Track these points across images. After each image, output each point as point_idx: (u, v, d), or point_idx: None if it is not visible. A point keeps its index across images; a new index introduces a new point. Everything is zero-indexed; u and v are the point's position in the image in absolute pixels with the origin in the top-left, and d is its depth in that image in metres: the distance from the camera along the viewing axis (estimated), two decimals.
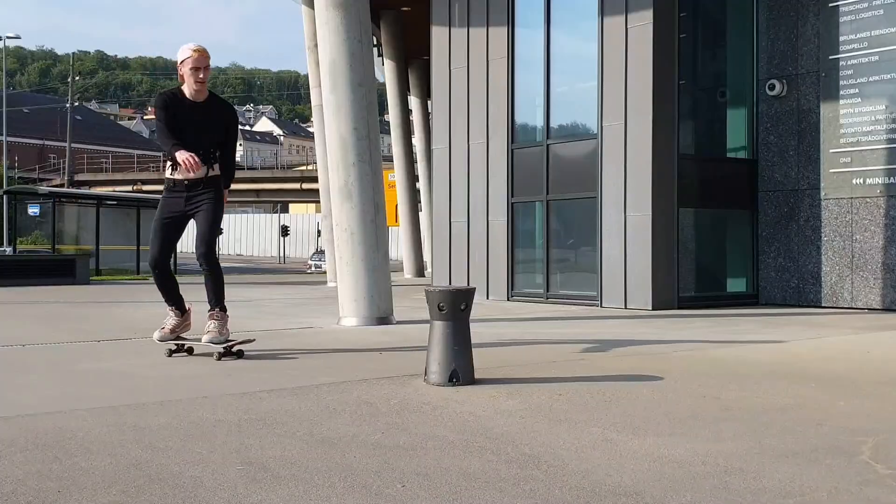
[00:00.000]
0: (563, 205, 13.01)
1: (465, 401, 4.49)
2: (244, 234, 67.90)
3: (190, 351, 6.30)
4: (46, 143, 77.17)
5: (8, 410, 4.22)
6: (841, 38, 11.74)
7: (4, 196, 31.90)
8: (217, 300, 6.10)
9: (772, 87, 12.36)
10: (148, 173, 68.49)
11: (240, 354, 6.14)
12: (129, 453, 3.35)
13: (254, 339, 6.40)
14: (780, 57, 12.41)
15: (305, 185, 55.93)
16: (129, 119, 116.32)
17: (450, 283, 13.92)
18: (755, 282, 12.74)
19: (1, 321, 10.01)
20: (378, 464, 3.22)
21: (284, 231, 54.46)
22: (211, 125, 6.09)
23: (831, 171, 11.85)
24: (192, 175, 5.91)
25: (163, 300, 6.34)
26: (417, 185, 26.69)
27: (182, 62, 6.00)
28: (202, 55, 6.00)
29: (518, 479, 3.02)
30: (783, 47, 12.36)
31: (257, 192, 61.22)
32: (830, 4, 11.85)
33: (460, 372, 4.93)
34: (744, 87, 12.90)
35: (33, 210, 29.41)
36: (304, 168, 67.61)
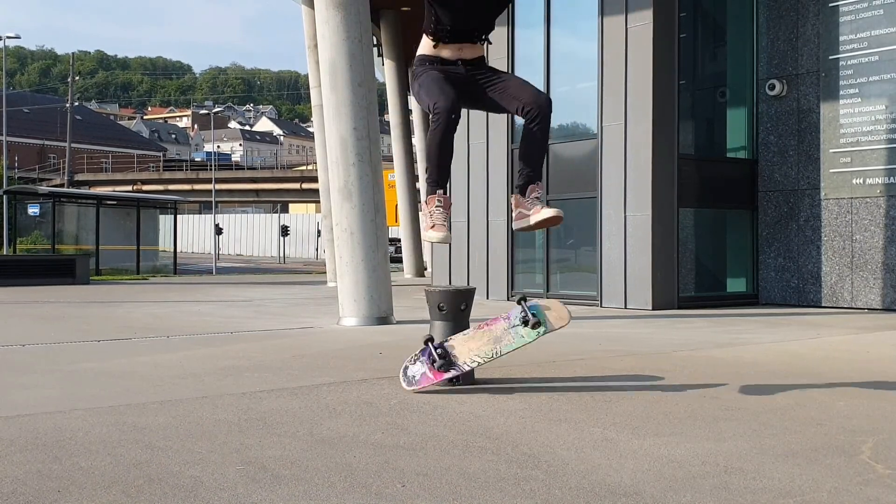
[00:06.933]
0: (563, 205, 12.98)
1: (465, 401, 4.49)
2: (244, 234, 67.90)
3: None
4: (46, 143, 77.12)
5: (8, 410, 4.21)
6: (841, 38, 11.74)
7: (4, 196, 31.87)
8: (540, 170, 4.63)
9: (772, 87, 12.36)
10: (148, 173, 68.49)
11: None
12: (129, 453, 3.35)
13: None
14: (780, 57, 12.40)
15: (305, 185, 55.93)
16: (129, 119, 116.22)
17: (450, 283, 13.92)
18: (755, 282, 12.73)
19: (1, 321, 10.01)
20: (378, 464, 3.21)
21: (284, 231, 54.48)
22: None
23: (831, 171, 11.85)
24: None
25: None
26: (417, 185, 26.67)
27: None
28: None
29: (518, 479, 3.02)
30: (783, 47, 12.36)
31: (257, 192, 61.22)
32: (830, 4, 11.85)
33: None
34: (744, 87, 12.90)
35: (33, 210, 29.39)
36: (304, 168, 67.61)
